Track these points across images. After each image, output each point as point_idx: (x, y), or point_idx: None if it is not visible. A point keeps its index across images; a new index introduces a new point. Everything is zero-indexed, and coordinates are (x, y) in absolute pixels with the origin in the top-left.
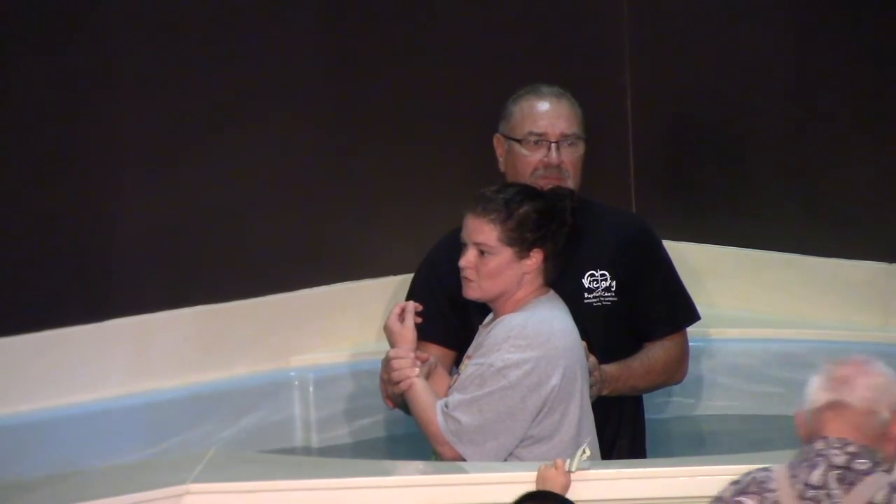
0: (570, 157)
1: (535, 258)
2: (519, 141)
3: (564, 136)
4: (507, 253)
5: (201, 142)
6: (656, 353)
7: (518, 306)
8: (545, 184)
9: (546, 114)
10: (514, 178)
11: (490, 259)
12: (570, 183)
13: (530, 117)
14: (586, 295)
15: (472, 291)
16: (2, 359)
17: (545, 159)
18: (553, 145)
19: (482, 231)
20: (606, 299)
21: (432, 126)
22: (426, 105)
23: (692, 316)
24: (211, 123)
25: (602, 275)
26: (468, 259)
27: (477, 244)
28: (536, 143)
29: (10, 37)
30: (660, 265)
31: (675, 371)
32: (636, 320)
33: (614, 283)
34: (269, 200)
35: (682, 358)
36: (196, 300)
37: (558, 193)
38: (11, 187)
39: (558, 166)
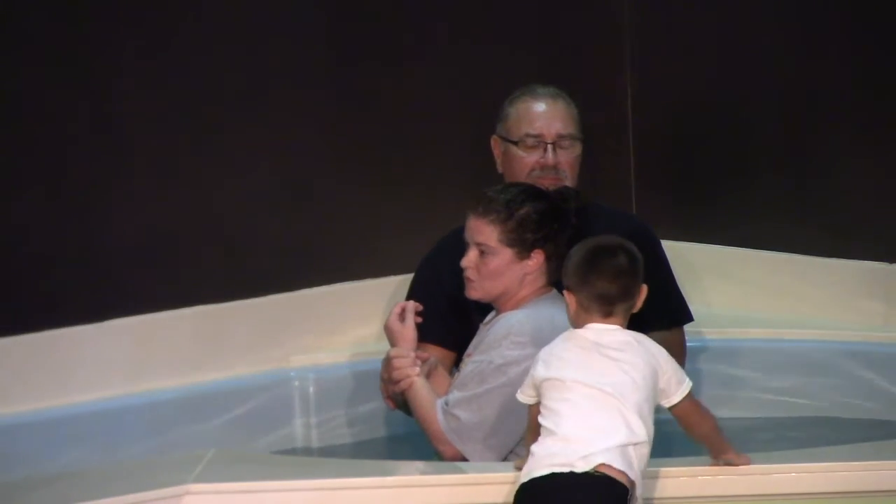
0: (567, 158)
1: (536, 259)
2: (515, 143)
3: (560, 137)
4: (507, 253)
5: (201, 142)
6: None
7: (519, 305)
8: (541, 184)
9: (542, 115)
10: (511, 180)
11: (490, 259)
12: (568, 183)
13: (526, 118)
14: None
15: (474, 291)
16: (2, 359)
17: (541, 160)
18: (549, 146)
19: (482, 231)
20: None
21: (433, 126)
22: (426, 105)
23: (685, 317)
24: (211, 124)
25: None
26: (469, 259)
27: (478, 244)
28: (532, 144)
29: (12, 39)
30: (656, 264)
31: None
32: (631, 317)
33: None
34: (268, 201)
35: (678, 353)
36: (196, 300)
37: (563, 194)
38: (12, 187)
39: (554, 167)
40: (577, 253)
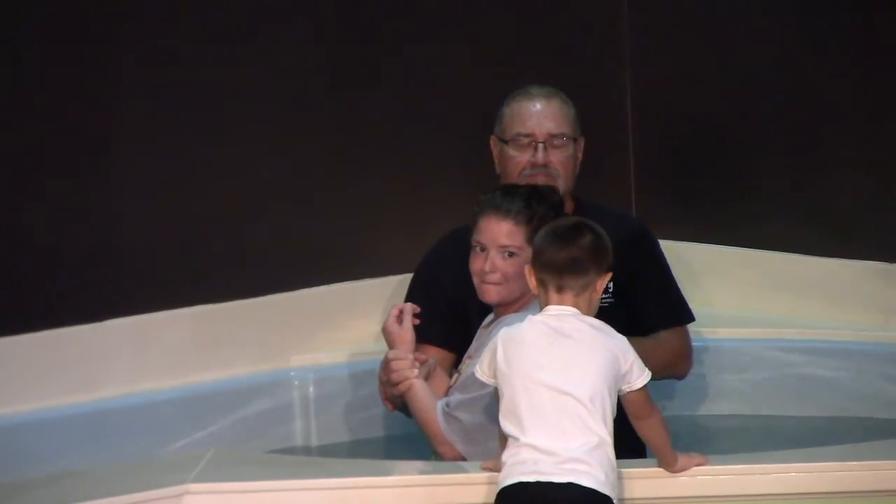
0: (559, 157)
1: None
2: (508, 142)
3: (552, 136)
4: (529, 252)
5: (201, 142)
6: (663, 335)
7: (522, 308)
8: (533, 182)
9: (534, 114)
10: (505, 180)
11: (516, 260)
12: (561, 182)
13: (518, 118)
14: None
15: (496, 295)
16: (2, 359)
17: (532, 159)
18: (540, 145)
19: (510, 233)
20: (605, 301)
21: (432, 127)
22: (426, 106)
23: (686, 317)
24: (211, 124)
25: None
26: (494, 263)
27: (504, 247)
28: (524, 143)
29: (15, 39)
30: (655, 264)
31: (680, 361)
32: (632, 318)
33: (612, 285)
34: (268, 200)
35: (684, 351)
36: (196, 300)
37: (550, 188)
38: (12, 187)
39: (545, 166)
40: (543, 229)
